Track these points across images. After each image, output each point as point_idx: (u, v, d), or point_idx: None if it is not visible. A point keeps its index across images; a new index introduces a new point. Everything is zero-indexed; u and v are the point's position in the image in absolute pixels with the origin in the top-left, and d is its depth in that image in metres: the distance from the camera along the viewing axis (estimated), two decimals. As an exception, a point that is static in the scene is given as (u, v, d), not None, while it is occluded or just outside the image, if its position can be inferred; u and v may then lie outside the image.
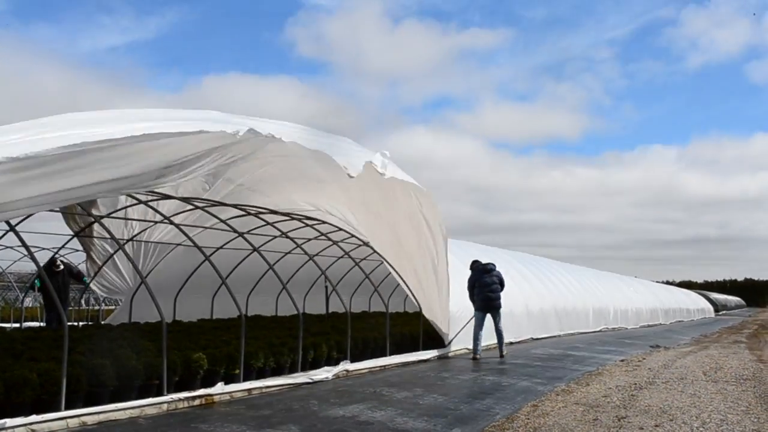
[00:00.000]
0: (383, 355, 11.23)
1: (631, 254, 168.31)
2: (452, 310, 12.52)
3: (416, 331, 12.51)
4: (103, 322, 13.74)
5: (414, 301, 12.70)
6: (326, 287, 15.15)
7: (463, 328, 12.70)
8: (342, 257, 14.03)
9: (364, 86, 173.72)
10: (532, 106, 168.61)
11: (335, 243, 12.85)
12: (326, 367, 9.47)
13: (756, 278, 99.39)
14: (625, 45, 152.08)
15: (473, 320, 12.33)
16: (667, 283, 57.87)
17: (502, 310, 12.37)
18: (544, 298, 19.04)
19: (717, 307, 53.80)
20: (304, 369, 9.18)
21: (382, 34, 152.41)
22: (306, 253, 11.53)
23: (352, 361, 10.10)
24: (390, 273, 12.54)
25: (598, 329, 23.27)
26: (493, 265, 12.63)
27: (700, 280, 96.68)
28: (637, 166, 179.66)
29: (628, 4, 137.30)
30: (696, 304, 42.69)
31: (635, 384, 9.16)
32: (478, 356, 11.95)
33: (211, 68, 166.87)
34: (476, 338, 12.10)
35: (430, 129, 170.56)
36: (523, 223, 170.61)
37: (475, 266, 12.55)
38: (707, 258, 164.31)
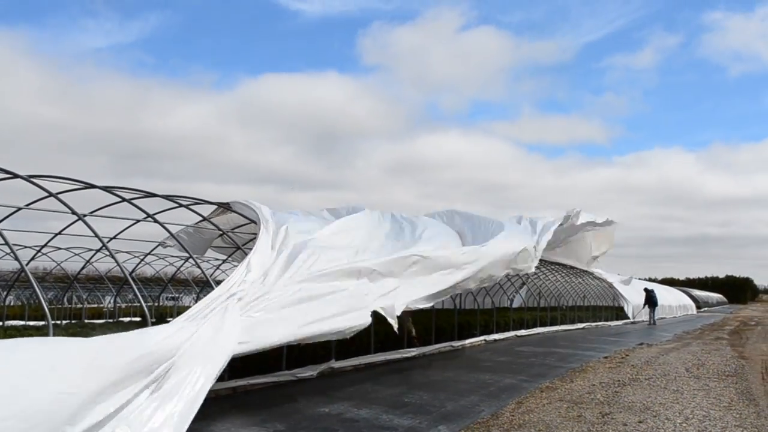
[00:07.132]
0: (368, 353, 11.23)
1: (624, 252, 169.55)
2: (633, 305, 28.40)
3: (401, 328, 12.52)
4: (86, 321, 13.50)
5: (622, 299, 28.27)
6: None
7: (640, 311, 28.61)
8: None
9: (410, 89, 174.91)
10: (568, 117, 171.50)
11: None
12: (311, 365, 9.45)
13: (737, 275, 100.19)
14: (666, 52, 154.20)
15: (646, 309, 27.70)
16: (649, 280, 58.17)
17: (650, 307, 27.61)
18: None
19: (699, 304, 54.28)
20: (289, 367, 9.15)
21: (433, 46, 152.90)
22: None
23: (337, 359, 10.08)
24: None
25: (581, 326, 23.47)
26: (653, 288, 29.49)
27: (682, 277, 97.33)
28: (655, 167, 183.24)
29: (679, 13, 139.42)
30: (678, 300, 42.93)
31: (618, 381, 9.24)
32: (652, 324, 26.46)
33: (267, 68, 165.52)
34: (650, 316, 27.19)
35: (468, 132, 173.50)
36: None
37: (646, 288, 28.71)
38: (704, 255, 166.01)
